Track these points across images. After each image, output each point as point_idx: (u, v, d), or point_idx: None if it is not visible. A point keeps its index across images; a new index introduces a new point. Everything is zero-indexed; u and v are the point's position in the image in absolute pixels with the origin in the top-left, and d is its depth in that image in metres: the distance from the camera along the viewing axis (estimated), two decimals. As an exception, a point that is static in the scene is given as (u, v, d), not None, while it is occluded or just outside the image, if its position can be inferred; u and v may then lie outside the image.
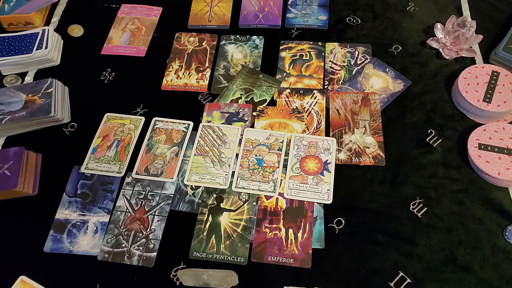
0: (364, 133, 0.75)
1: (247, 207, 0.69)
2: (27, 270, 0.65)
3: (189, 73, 0.87)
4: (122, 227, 0.68)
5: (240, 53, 0.89)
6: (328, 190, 0.69)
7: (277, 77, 0.85)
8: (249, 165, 0.72)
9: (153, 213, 0.69)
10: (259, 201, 0.69)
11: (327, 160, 0.72)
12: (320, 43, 0.89)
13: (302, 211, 0.68)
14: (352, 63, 0.85)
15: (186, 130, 0.78)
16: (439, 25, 0.85)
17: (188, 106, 0.82)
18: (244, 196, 0.70)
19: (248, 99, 0.81)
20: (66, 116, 0.82)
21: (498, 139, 0.71)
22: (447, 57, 0.84)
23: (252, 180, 0.71)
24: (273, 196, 0.70)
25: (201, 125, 0.78)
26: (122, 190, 0.72)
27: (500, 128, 0.72)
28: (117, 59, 0.91)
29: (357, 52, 0.87)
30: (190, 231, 0.67)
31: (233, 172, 0.72)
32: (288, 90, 0.82)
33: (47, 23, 0.98)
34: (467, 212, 0.67)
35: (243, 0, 0.98)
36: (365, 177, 0.72)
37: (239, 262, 0.64)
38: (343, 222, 0.67)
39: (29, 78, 0.88)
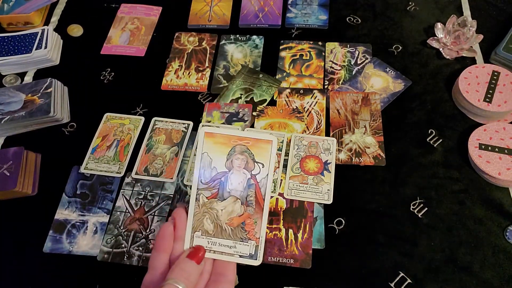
0: (364, 133, 0.75)
1: (247, 207, 0.69)
2: (27, 270, 0.65)
3: (189, 73, 0.87)
4: (121, 228, 0.68)
5: (240, 53, 0.89)
6: (328, 190, 0.69)
7: (277, 77, 0.84)
8: (249, 165, 0.72)
9: (152, 214, 0.69)
10: (259, 201, 0.69)
11: (327, 160, 0.72)
12: (320, 43, 0.89)
13: (302, 211, 0.68)
14: (352, 63, 0.85)
15: (186, 130, 0.78)
16: (439, 25, 0.84)
17: (188, 106, 0.82)
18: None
19: (248, 99, 0.81)
20: (66, 116, 0.82)
21: (498, 139, 0.70)
22: (448, 57, 0.84)
23: (252, 180, 0.71)
24: (273, 196, 0.69)
25: (201, 125, 0.78)
26: (121, 190, 0.72)
27: (500, 128, 0.72)
28: (116, 59, 0.91)
29: (357, 52, 0.87)
30: (190, 231, 0.67)
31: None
32: (288, 90, 0.82)
33: (47, 22, 0.98)
34: (468, 212, 0.67)
35: (243, -1, 0.98)
36: (365, 177, 0.71)
37: (239, 263, 0.64)
38: (343, 222, 0.67)
39: (28, 78, 0.88)
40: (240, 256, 0.41)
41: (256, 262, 0.41)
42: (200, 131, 0.41)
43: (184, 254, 0.41)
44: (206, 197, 0.41)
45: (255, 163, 0.41)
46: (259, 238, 0.41)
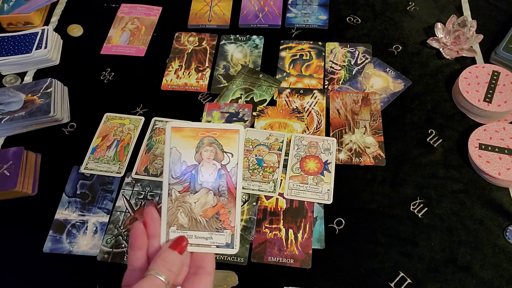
0: (364, 133, 0.75)
1: (247, 207, 0.69)
2: (27, 270, 0.65)
3: (189, 73, 0.87)
4: (121, 228, 0.68)
5: (240, 53, 0.89)
6: (328, 190, 0.69)
7: (277, 77, 0.84)
8: (249, 165, 0.72)
9: (152, 213, 0.69)
10: (259, 201, 0.69)
11: (327, 160, 0.72)
12: (320, 43, 0.89)
13: (302, 211, 0.68)
14: (352, 63, 0.85)
15: (186, 130, 0.78)
16: (439, 25, 0.84)
17: (188, 106, 0.82)
18: (243, 196, 0.70)
19: (248, 99, 0.81)
20: (66, 116, 0.82)
21: (498, 139, 0.70)
22: (448, 57, 0.84)
23: (252, 180, 0.71)
24: (273, 196, 0.69)
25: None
26: (121, 190, 0.72)
27: (500, 128, 0.72)
28: (116, 59, 0.91)
29: (357, 52, 0.87)
30: (190, 231, 0.67)
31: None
32: (288, 90, 0.82)
33: (47, 22, 0.98)
34: (468, 212, 0.67)
35: (243, -1, 0.98)
36: (365, 177, 0.71)
37: (239, 262, 0.64)
38: (343, 222, 0.67)
39: (28, 78, 0.88)
40: (217, 246, 0.41)
41: (233, 251, 0.41)
42: (167, 126, 0.41)
43: (166, 245, 0.41)
44: (178, 191, 0.41)
45: (224, 154, 0.41)
46: (234, 226, 0.41)
